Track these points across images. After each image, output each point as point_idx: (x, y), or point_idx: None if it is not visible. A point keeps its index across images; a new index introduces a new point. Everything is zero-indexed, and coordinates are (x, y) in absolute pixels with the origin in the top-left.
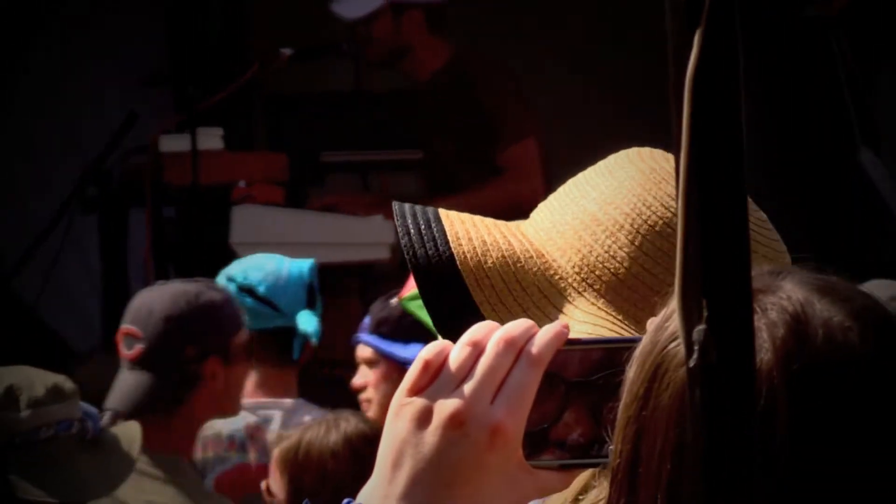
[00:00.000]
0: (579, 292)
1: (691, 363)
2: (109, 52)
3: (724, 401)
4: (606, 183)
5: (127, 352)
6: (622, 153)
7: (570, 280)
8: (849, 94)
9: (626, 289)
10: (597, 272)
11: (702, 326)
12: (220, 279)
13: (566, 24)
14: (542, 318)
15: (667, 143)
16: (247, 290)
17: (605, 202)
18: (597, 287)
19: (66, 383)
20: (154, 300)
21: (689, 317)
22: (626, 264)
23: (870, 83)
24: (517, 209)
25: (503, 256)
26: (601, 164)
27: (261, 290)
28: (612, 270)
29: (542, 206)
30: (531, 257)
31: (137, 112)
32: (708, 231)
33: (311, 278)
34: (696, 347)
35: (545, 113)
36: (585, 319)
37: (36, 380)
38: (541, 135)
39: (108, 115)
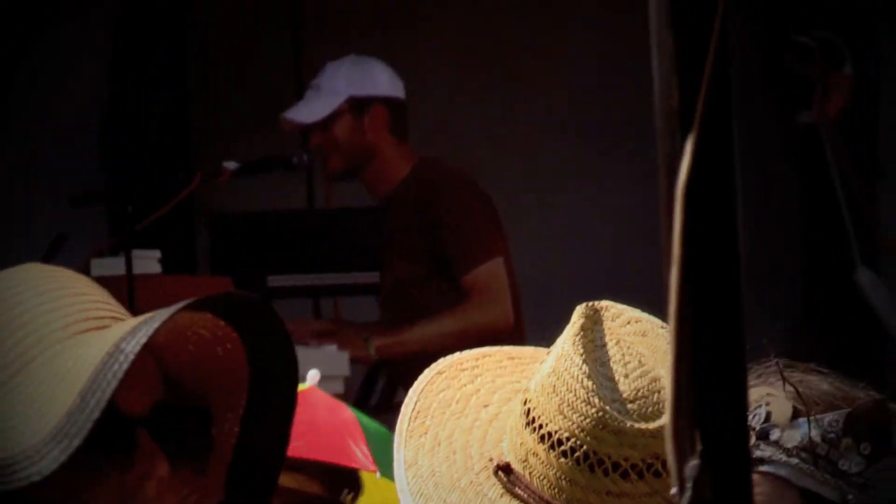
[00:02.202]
0: None
1: (684, 502)
2: (37, 167)
3: None
4: None
5: None
6: None
7: None
8: (846, 207)
9: None
10: None
11: (695, 461)
12: None
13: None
14: None
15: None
16: None
17: None
18: None
19: None
20: None
21: (680, 451)
22: None
23: (869, 191)
24: (484, 336)
25: None
26: None
27: None
28: None
29: None
30: None
31: (67, 233)
32: (701, 355)
33: None
34: (689, 484)
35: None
36: None
37: None
38: (509, 255)
39: (35, 237)
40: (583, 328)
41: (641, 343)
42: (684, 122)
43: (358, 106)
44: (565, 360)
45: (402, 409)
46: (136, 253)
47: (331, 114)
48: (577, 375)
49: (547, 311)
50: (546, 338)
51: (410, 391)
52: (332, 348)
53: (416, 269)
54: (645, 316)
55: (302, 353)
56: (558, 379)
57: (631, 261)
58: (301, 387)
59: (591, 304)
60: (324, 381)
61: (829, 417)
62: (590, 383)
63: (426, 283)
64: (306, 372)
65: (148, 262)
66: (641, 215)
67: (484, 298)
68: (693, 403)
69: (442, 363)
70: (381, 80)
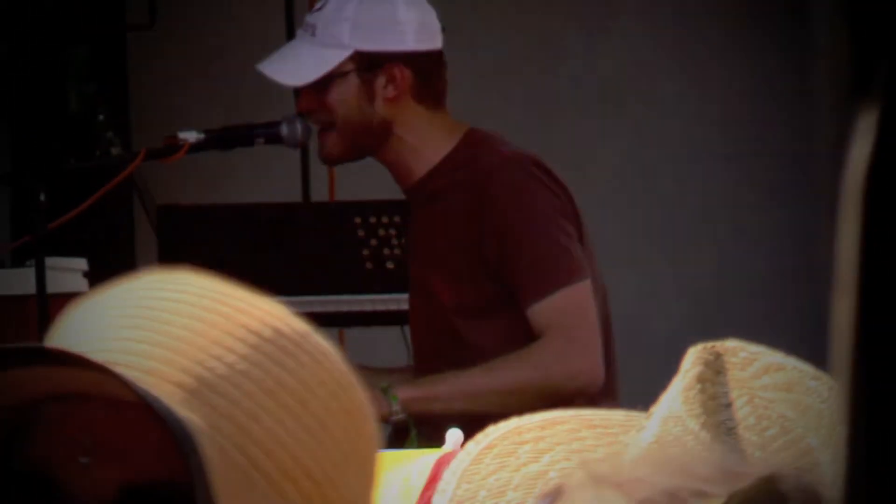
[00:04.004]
0: None
1: None
2: None
3: None
4: None
5: None
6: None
7: None
8: None
9: None
10: None
11: None
12: None
13: None
14: None
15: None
16: None
17: None
18: None
19: None
20: None
21: None
22: None
23: None
24: (561, 395)
25: None
26: None
27: None
28: None
29: None
30: None
31: None
32: (882, 420)
33: None
34: None
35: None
36: None
37: None
38: (599, 276)
39: None
40: (700, 379)
41: (784, 401)
42: (861, 87)
43: (368, 65)
44: (675, 426)
45: (435, 499)
46: (51, 262)
47: (327, 74)
48: (693, 447)
49: (648, 354)
50: (646, 398)
51: (446, 473)
52: None
53: (463, 292)
54: (789, 362)
55: None
56: (664, 453)
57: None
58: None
59: (710, 345)
60: None
61: None
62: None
63: (480, 315)
64: None
65: (69, 275)
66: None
67: (560, 339)
68: (868, 488)
69: (493, 433)
70: (406, 27)
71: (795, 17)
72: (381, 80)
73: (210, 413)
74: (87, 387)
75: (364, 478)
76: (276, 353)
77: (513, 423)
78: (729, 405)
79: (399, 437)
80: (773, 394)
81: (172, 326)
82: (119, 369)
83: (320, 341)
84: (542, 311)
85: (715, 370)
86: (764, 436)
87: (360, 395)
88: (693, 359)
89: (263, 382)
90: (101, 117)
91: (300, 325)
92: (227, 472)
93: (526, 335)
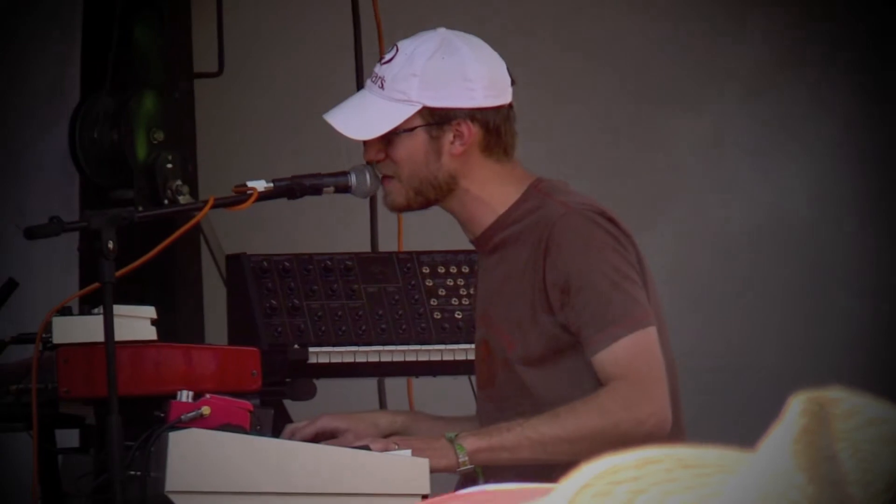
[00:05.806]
0: None
1: None
2: None
3: None
4: None
5: None
6: None
7: None
8: None
9: None
10: None
11: None
12: None
13: None
14: None
15: None
16: None
17: None
18: None
19: None
20: None
21: None
22: None
23: None
24: (628, 442)
25: None
26: None
27: None
28: None
29: None
30: None
31: (19, 279)
32: None
33: None
34: None
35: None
36: None
37: None
38: (663, 323)
39: None
40: (806, 431)
41: (888, 455)
42: None
43: (436, 121)
44: (783, 482)
45: None
46: (119, 310)
47: (393, 129)
48: (799, 502)
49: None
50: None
51: None
52: (404, 454)
53: (528, 341)
54: (893, 415)
55: (359, 459)
56: None
57: None
58: None
59: (813, 394)
60: (391, 500)
61: None
62: None
63: (544, 363)
64: (359, 488)
65: (137, 323)
66: None
67: (627, 386)
68: None
69: (588, 472)
70: (476, 83)
71: None
72: (448, 136)
73: None
74: None
75: None
76: None
77: (608, 461)
78: (833, 457)
79: (467, 487)
80: (877, 447)
81: None
82: None
83: None
84: (608, 358)
85: (819, 421)
86: (868, 490)
87: None
88: (799, 409)
89: None
90: (169, 165)
91: None
92: None
93: (591, 383)
